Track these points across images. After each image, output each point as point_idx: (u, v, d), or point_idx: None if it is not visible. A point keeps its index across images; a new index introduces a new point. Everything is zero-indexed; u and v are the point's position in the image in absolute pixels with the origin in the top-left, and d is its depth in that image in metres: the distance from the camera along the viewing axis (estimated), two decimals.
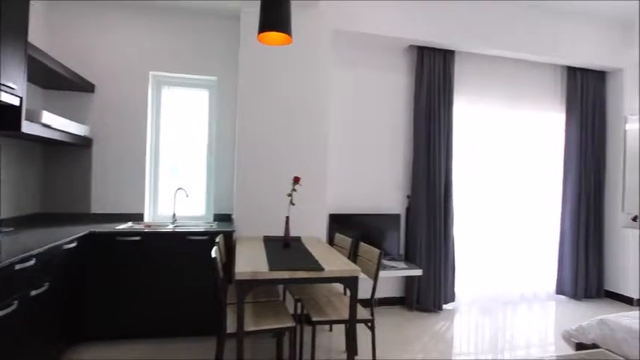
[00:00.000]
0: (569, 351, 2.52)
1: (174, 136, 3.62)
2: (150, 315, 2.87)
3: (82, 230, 2.74)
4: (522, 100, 4.33)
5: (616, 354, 2.08)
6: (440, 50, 3.88)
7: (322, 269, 2.11)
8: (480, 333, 3.41)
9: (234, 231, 3.07)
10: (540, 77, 4.40)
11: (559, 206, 4.43)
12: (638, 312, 2.36)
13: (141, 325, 2.87)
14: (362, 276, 2.53)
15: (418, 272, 3.54)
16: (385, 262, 3.64)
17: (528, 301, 4.27)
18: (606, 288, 4.44)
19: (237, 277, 2.00)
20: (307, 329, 2.75)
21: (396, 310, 3.82)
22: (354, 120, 3.85)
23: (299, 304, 2.77)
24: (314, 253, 2.51)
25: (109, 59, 3.35)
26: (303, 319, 2.75)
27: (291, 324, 2.18)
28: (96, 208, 3.33)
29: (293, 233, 3.16)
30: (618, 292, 4.34)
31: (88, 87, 3.24)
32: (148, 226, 3.20)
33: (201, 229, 3.11)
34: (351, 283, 2.17)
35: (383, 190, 3.93)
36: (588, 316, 3.84)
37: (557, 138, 4.46)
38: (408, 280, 3.84)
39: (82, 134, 3.12)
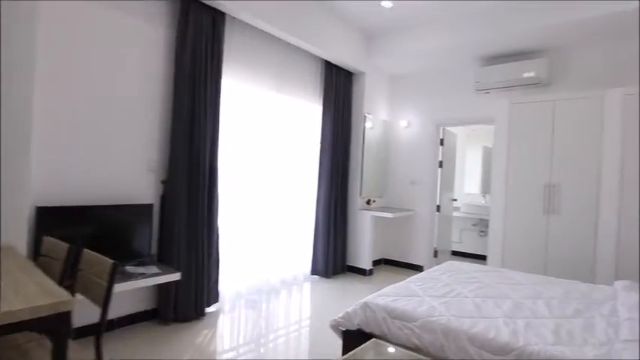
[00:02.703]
0: (333, 334, 2.47)
1: None
2: None
3: None
4: (289, 85, 4.27)
5: (379, 337, 2.11)
6: (209, 8, 3.24)
7: None
8: (242, 330, 3.15)
9: None
10: (305, 65, 4.47)
11: (315, 193, 4.70)
12: (387, 289, 2.54)
13: None
14: (82, 298, 1.65)
15: (175, 277, 2.82)
16: (130, 269, 2.73)
17: (288, 286, 4.33)
18: (348, 263, 5.08)
19: None
20: None
21: (147, 327, 2.98)
22: (88, 75, 2.68)
23: None
24: None
25: None
26: None
27: None
28: None
29: None
30: (356, 265, 5.03)
31: None
32: None
33: None
34: (54, 326, 1.25)
35: (129, 173, 2.95)
36: (335, 290, 4.26)
37: (316, 127, 4.70)
38: (163, 287, 3.06)
39: None
